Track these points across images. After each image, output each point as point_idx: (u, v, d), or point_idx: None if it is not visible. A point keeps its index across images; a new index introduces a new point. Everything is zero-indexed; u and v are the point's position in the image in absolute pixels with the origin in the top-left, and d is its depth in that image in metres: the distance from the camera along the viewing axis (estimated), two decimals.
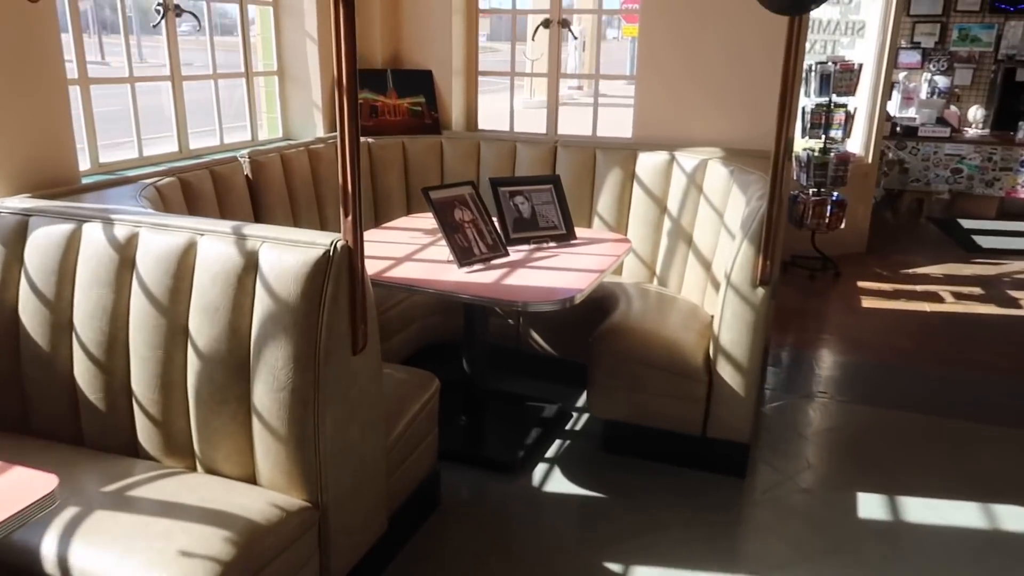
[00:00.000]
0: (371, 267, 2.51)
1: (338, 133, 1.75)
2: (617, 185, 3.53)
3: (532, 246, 2.87)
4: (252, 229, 1.86)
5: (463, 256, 2.58)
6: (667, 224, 3.41)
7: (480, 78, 4.10)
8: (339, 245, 1.78)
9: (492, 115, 4.48)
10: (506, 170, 3.73)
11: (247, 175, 3.06)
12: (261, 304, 1.79)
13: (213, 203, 2.83)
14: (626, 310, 3.03)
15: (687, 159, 3.37)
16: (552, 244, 2.91)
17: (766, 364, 3.48)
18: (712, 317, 2.87)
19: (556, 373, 3.46)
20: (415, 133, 3.81)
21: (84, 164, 2.74)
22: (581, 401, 3.25)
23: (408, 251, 2.77)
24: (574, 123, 4.44)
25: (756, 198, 2.69)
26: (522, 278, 2.51)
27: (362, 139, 3.76)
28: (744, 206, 2.88)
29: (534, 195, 2.95)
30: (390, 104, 3.80)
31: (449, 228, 2.60)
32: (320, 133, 3.71)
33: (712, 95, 3.56)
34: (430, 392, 2.42)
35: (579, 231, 3.07)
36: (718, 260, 3.06)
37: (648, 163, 3.47)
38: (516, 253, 2.78)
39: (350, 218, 1.78)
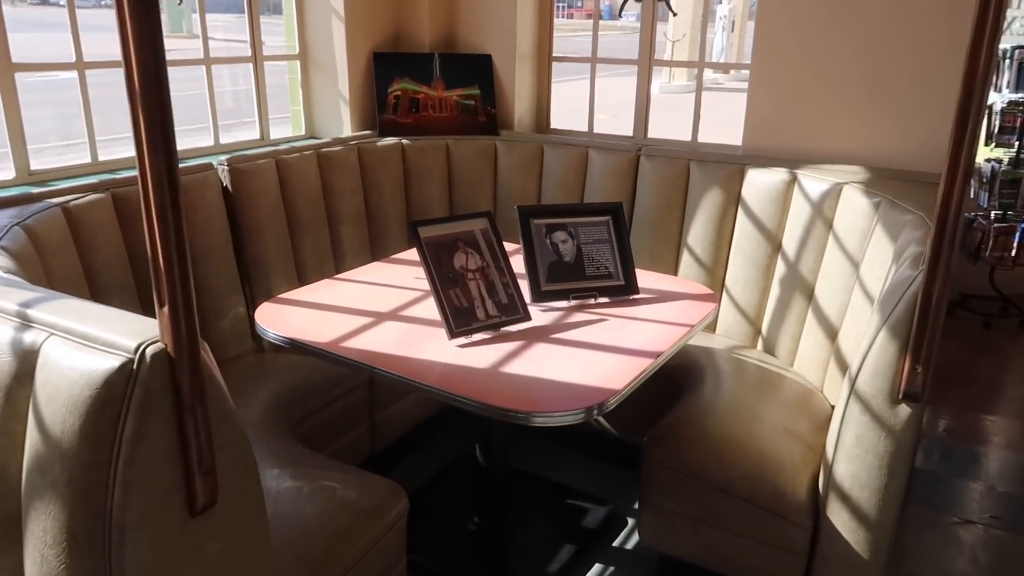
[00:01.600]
0: (329, 326, 1.80)
1: (139, 165, 1.02)
2: (716, 210, 2.64)
3: (571, 303, 2.06)
4: (41, 309, 1.18)
5: (458, 322, 1.81)
6: (780, 268, 2.49)
7: (564, 66, 3.29)
8: (151, 353, 1.07)
9: (605, 107, 3.60)
10: (574, 183, 2.91)
11: (226, 186, 2.43)
12: (31, 440, 1.12)
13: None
14: (706, 392, 2.17)
15: (814, 181, 2.43)
16: (602, 300, 2.08)
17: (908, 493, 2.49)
18: (833, 410, 1.97)
19: (610, 453, 2.64)
20: (464, 133, 3.06)
21: (7, 172, 2.20)
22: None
23: (399, 302, 2.04)
24: (712, 115, 3.48)
25: (909, 257, 1.75)
26: (536, 362, 1.72)
27: (395, 140, 3.08)
28: (891, 262, 1.93)
29: (582, 230, 2.13)
30: (435, 97, 3.07)
31: (443, 280, 1.84)
32: (347, 131, 3.04)
33: (852, 93, 2.58)
34: (390, 517, 1.70)
35: (652, 279, 2.22)
36: (849, 329, 2.13)
37: (760, 183, 2.55)
38: (545, 314, 1.99)
39: (166, 309, 1.06)
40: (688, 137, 3.01)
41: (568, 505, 2.43)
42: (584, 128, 3.22)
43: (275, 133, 3.01)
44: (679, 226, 2.74)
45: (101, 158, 2.43)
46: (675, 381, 2.34)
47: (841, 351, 2.17)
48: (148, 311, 2.18)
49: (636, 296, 2.12)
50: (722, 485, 1.87)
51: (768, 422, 2.03)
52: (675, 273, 2.75)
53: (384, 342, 1.80)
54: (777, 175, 2.51)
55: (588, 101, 3.22)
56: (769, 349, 2.52)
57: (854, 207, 2.27)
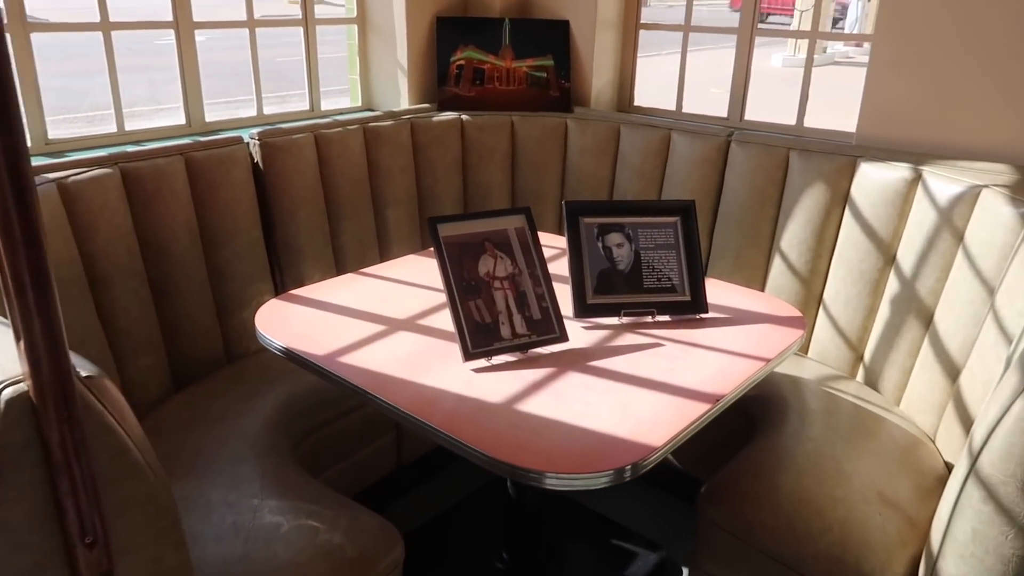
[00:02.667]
0: (333, 334, 1.55)
1: None
2: (818, 210, 2.21)
3: (623, 320, 1.72)
4: None
5: (476, 341, 1.52)
6: (893, 285, 2.05)
7: (656, 35, 2.89)
8: (6, 397, 0.83)
9: (720, 80, 3.13)
10: (653, 171, 2.54)
11: (256, 163, 2.21)
12: None
13: (183, 203, 2.01)
14: (785, 435, 1.79)
15: (944, 181, 1.97)
16: (661, 319, 1.74)
17: None
18: (946, 470, 1.56)
19: (669, 483, 2.30)
20: (533, 109, 2.74)
21: None
22: None
23: (423, 306, 1.77)
24: (837, 95, 2.98)
25: None
26: (565, 398, 1.40)
27: (454, 115, 2.78)
28: None
29: (643, 233, 1.78)
30: (502, 68, 2.75)
31: (462, 289, 1.55)
32: (405, 104, 2.77)
33: (1005, 70, 2.08)
34: (379, 568, 1.44)
35: (727, 292, 1.85)
36: (975, 370, 1.71)
37: (874, 180, 2.11)
38: (588, 332, 1.66)
39: (23, 343, 0.82)
40: (792, 120, 2.57)
41: (613, 545, 2.11)
42: (685, 107, 2.81)
43: (332, 105, 2.78)
44: (772, 227, 2.33)
45: (134, 127, 2.26)
46: (749, 414, 1.97)
47: (963, 396, 1.74)
48: (160, 301, 2.01)
49: (704, 316, 1.76)
50: (791, 562, 1.51)
51: (859, 482, 1.63)
52: (763, 282, 2.35)
53: (390, 359, 1.53)
54: (896, 171, 2.06)
55: (678, 76, 2.82)
56: (871, 382, 2.10)
57: (994, 217, 1.81)
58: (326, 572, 1.38)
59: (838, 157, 2.20)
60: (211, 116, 2.43)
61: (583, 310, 1.70)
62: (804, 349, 2.29)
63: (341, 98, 2.83)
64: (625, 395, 1.42)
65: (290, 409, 1.89)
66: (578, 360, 1.55)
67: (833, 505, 1.56)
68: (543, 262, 1.63)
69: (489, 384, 1.44)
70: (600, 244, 1.75)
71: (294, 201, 2.25)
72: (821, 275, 2.24)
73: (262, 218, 2.22)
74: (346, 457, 2.09)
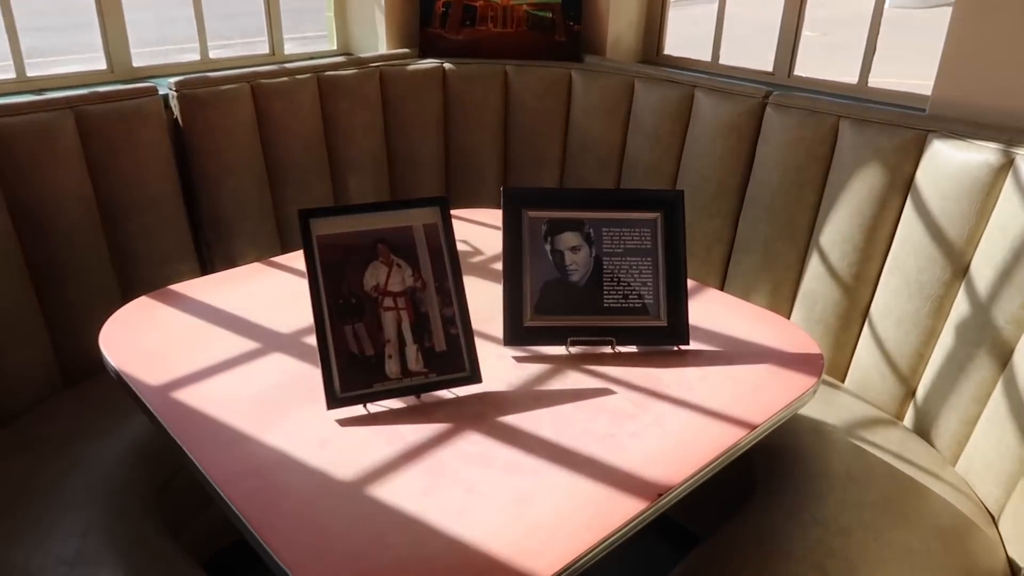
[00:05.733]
0: (189, 353, 1.19)
1: None
2: (871, 199, 1.70)
3: (572, 350, 1.30)
4: None
5: (348, 382, 1.13)
6: (962, 306, 1.54)
7: None
8: None
9: (819, 22, 2.52)
10: (670, 138, 2.05)
11: (176, 118, 1.85)
12: None
13: (73, 169, 1.67)
14: (785, 510, 1.35)
15: None
16: (624, 350, 1.30)
17: None
18: (1008, 568, 1.12)
19: (661, 530, 1.89)
20: (534, 57, 2.27)
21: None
22: None
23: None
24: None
25: None
26: (446, 480, 1.01)
27: (434, 63, 2.32)
28: None
29: (609, 233, 1.33)
30: (498, 5, 2.28)
31: (336, 310, 1.15)
32: (383, 49, 2.34)
33: None
34: None
35: (723, 312, 1.40)
36: None
37: (949, 163, 1.58)
38: (518, 370, 1.25)
39: None
40: (854, 78, 2.02)
41: None
42: (726, 58, 2.28)
43: (310, 50, 2.39)
44: (811, 217, 1.83)
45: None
46: (751, 468, 1.53)
47: None
48: (44, 288, 1.67)
49: (684, 348, 1.32)
50: None
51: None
52: (795, 286, 1.87)
53: (241, 396, 1.16)
54: (980, 152, 1.53)
55: (716, 15, 2.28)
56: (922, 430, 1.61)
57: None
58: None
59: (903, 130, 1.67)
60: (145, 60, 2.07)
61: (517, 335, 1.29)
62: (840, 375, 1.81)
63: (323, 43, 2.44)
64: (532, 480, 1.01)
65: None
66: (488, 413, 1.14)
67: None
68: (458, 273, 1.21)
69: (350, 447, 1.06)
70: (548, 247, 1.32)
71: (223, 166, 1.89)
72: (869, 283, 1.74)
73: (184, 186, 1.86)
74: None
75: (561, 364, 1.27)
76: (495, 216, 1.87)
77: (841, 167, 1.76)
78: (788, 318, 1.89)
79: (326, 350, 1.13)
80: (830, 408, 1.64)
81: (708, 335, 1.36)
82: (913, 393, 1.66)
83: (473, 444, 1.07)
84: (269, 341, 1.30)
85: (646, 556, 1.83)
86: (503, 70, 2.24)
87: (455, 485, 0.99)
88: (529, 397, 1.18)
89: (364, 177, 2.13)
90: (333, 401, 1.11)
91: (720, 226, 1.99)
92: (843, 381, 1.81)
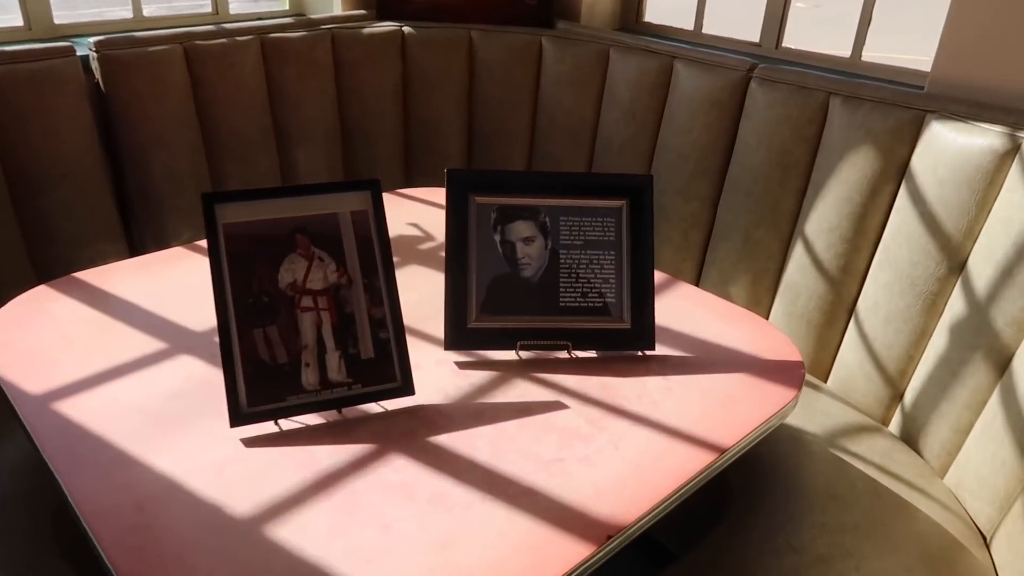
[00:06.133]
0: (82, 354, 1.03)
1: None
2: (862, 184, 1.55)
3: (523, 355, 1.15)
4: None
5: (257, 395, 0.97)
6: (957, 304, 1.41)
7: None
8: None
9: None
10: (646, 113, 1.89)
11: (97, 82, 1.66)
12: None
13: None
14: (758, 531, 1.22)
15: None
16: (583, 355, 1.16)
17: None
18: None
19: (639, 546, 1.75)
20: (502, 22, 2.09)
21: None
22: None
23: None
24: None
25: None
26: (358, 517, 0.86)
27: (392, 26, 1.99)
28: None
29: (567, 222, 1.17)
30: None
31: (244, 310, 0.99)
32: (339, 9, 2.14)
33: None
34: None
35: (697, 310, 1.25)
36: None
37: (948, 147, 1.43)
38: (459, 378, 1.10)
39: None
40: (847, 52, 1.86)
41: None
42: (711, 27, 2.11)
43: (259, 7, 2.19)
44: (796, 203, 1.68)
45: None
46: (725, 482, 1.39)
47: None
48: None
49: (649, 353, 1.17)
50: None
51: None
52: (777, 276, 1.72)
53: (134, 407, 1.00)
54: (983, 136, 1.38)
55: None
56: (909, 437, 1.48)
57: None
58: None
59: (898, 110, 1.52)
60: (70, 16, 1.88)
61: (460, 338, 1.13)
62: (822, 375, 1.68)
63: (276, 3, 2.25)
64: (460, 517, 0.87)
65: None
66: (419, 431, 0.99)
67: None
68: (390, 268, 1.06)
69: (253, 472, 0.91)
70: (498, 237, 1.16)
71: (152, 136, 1.71)
72: (857, 277, 1.60)
73: (108, 158, 1.69)
74: None
75: (509, 371, 1.12)
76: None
77: (830, 149, 1.61)
78: (769, 311, 1.75)
79: (231, 358, 0.97)
80: (811, 412, 1.51)
81: (677, 338, 1.22)
82: (901, 397, 1.53)
83: (397, 470, 0.92)
84: (178, 340, 1.15)
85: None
86: (468, 36, 2.06)
87: (370, 523, 0.84)
88: (468, 412, 1.03)
89: (314, 150, 1.96)
90: (238, 417, 0.96)
91: (698, 209, 1.84)
92: (825, 381, 1.68)
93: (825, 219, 1.62)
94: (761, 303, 1.77)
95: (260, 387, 0.98)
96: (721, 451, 0.98)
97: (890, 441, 1.47)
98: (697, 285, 1.88)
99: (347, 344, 1.02)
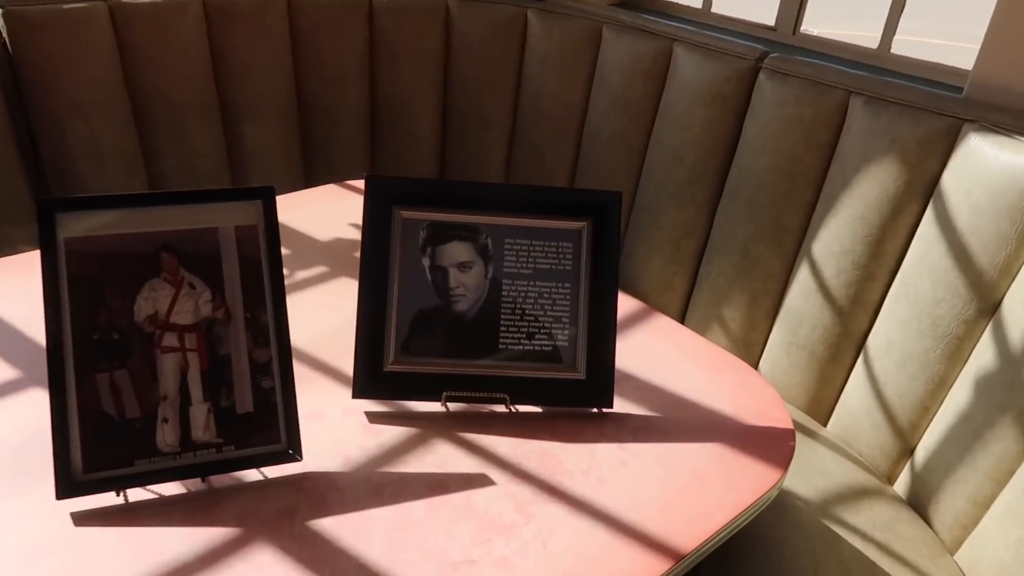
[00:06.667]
0: None
1: None
2: (881, 202, 1.32)
3: (449, 407, 0.94)
4: None
5: (97, 457, 0.77)
6: (985, 353, 1.18)
7: None
8: None
9: None
10: (640, 103, 1.66)
11: (4, 42, 1.45)
12: None
13: None
14: None
15: None
16: (524, 410, 0.95)
17: None
18: None
19: None
20: None
21: None
22: None
23: None
24: None
25: None
26: None
27: None
28: None
29: (513, 246, 0.96)
30: None
31: (85, 348, 0.79)
32: None
33: None
34: None
35: (670, 350, 1.04)
36: None
37: (987, 164, 1.19)
38: (364, 436, 0.89)
39: None
40: (875, 41, 1.61)
41: None
42: (721, 6, 1.86)
43: None
44: (803, 218, 1.45)
45: None
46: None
47: None
48: None
49: (606, 411, 0.96)
50: None
51: None
52: (777, 301, 1.50)
53: None
54: None
55: None
56: (917, 502, 1.27)
57: None
58: None
59: (931, 116, 1.28)
60: None
61: (373, 383, 0.92)
62: (822, 417, 1.46)
63: None
64: None
65: None
66: (301, 512, 0.79)
67: None
68: (281, 298, 0.85)
69: (74, 563, 0.71)
70: (427, 261, 0.94)
71: (70, 105, 1.50)
72: (869, 309, 1.37)
73: (16, 129, 1.48)
74: None
75: (430, 428, 0.91)
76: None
77: (846, 158, 1.38)
78: (767, 337, 1.54)
79: (63, 410, 0.77)
80: (804, 469, 1.29)
81: (641, 390, 1.00)
82: (911, 453, 1.32)
83: (259, 569, 0.72)
84: (33, 370, 0.94)
85: None
86: (444, 5, 1.82)
87: None
88: (368, 486, 0.82)
89: (265, 128, 1.74)
90: (68, 487, 0.76)
91: (693, 217, 1.61)
92: (825, 424, 1.46)
93: (836, 239, 1.39)
94: (758, 328, 1.55)
95: (102, 448, 0.78)
96: (678, 558, 0.77)
97: (895, 508, 1.26)
98: (688, 302, 1.67)
99: (219, 395, 0.82)
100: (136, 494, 0.79)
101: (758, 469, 0.89)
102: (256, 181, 1.76)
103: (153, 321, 0.80)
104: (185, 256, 0.82)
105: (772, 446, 0.93)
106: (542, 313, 0.95)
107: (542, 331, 0.95)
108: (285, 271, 1.19)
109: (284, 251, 1.25)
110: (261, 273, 0.84)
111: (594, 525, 0.80)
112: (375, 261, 0.93)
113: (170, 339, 0.81)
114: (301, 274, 1.20)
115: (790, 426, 0.97)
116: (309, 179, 1.84)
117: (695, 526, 0.81)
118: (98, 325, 0.79)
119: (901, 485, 1.33)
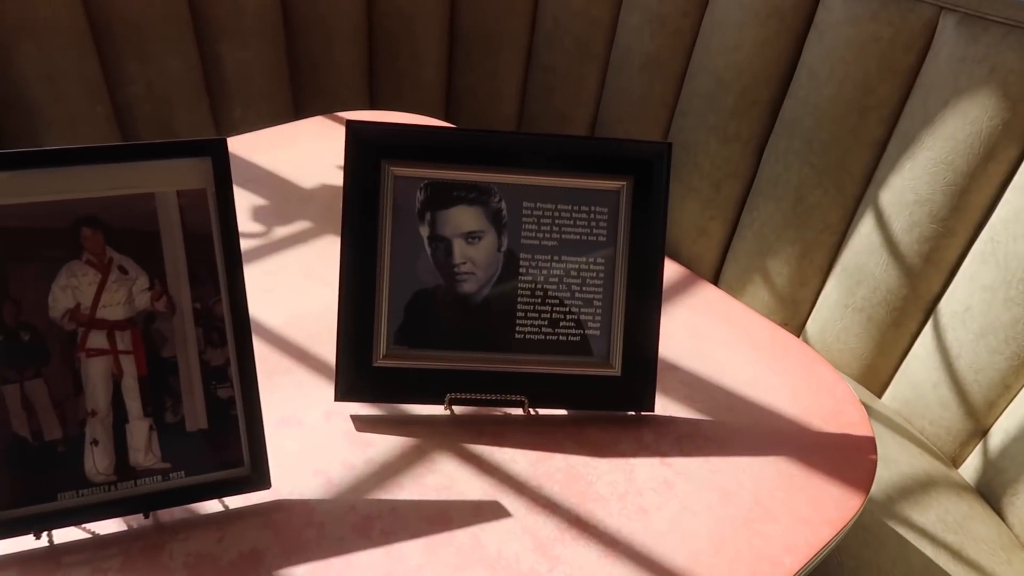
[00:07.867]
0: None
1: None
2: (970, 143, 1.11)
3: (452, 411, 0.77)
4: None
5: (5, 496, 0.61)
6: None
7: None
8: None
9: None
10: (678, 21, 1.42)
11: None
12: None
13: None
14: None
15: None
16: (548, 413, 0.78)
17: None
18: None
19: None
20: None
21: None
22: None
23: None
24: None
25: None
26: None
27: None
28: None
29: (532, 213, 0.77)
30: None
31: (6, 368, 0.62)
32: None
33: None
34: None
35: (727, 337, 0.86)
36: None
37: None
38: (350, 449, 0.72)
39: None
40: None
41: None
42: None
43: None
44: (871, 159, 1.24)
45: None
46: None
47: None
48: None
49: (646, 414, 0.79)
50: None
51: None
52: (834, 254, 1.31)
53: None
54: None
55: None
56: (989, 489, 1.11)
57: None
58: None
59: None
60: None
61: (360, 382, 0.75)
62: (878, 388, 1.29)
63: None
64: None
65: None
66: (268, 558, 0.63)
67: None
68: (238, 282, 0.66)
69: None
70: (426, 230, 0.76)
71: (15, 22, 1.28)
72: (944, 269, 1.18)
73: None
74: None
75: (431, 440, 0.74)
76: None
77: (931, 89, 1.15)
78: (817, 295, 1.35)
79: None
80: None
81: (687, 385, 0.83)
82: (984, 435, 1.15)
83: None
84: None
85: None
86: None
87: None
88: (353, 520, 0.66)
89: (245, 47, 1.52)
90: None
91: (737, 154, 1.40)
92: (880, 395, 1.29)
93: (910, 187, 1.18)
94: (807, 285, 1.36)
95: (15, 479, 0.61)
96: None
97: (967, 503, 1.10)
98: (726, 252, 1.47)
99: (163, 408, 0.65)
100: (63, 535, 0.63)
101: (834, 493, 0.72)
102: (238, 109, 1.55)
103: (74, 317, 0.63)
104: (112, 231, 0.64)
105: (850, 460, 0.76)
106: (569, 295, 0.77)
107: (568, 317, 0.77)
108: (261, 228, 1.01)
109: (261, 202, 1.07)
110: (212, 251, 0.66)
111: (634, 572, 0.64)
112: (360, 231, 0.74)
113: (97, 339, 0.63)
114: (281, 231, 1.02)
115: (870, 433, 0.80)
116: (299, 107, 1.63)
117: (758, 573, 0.65)
118: (2, 323, 0.61)
119: (968, 469, 1.17)
